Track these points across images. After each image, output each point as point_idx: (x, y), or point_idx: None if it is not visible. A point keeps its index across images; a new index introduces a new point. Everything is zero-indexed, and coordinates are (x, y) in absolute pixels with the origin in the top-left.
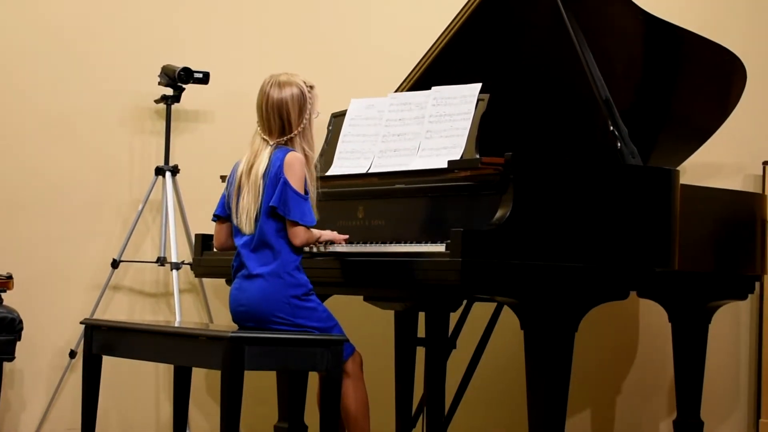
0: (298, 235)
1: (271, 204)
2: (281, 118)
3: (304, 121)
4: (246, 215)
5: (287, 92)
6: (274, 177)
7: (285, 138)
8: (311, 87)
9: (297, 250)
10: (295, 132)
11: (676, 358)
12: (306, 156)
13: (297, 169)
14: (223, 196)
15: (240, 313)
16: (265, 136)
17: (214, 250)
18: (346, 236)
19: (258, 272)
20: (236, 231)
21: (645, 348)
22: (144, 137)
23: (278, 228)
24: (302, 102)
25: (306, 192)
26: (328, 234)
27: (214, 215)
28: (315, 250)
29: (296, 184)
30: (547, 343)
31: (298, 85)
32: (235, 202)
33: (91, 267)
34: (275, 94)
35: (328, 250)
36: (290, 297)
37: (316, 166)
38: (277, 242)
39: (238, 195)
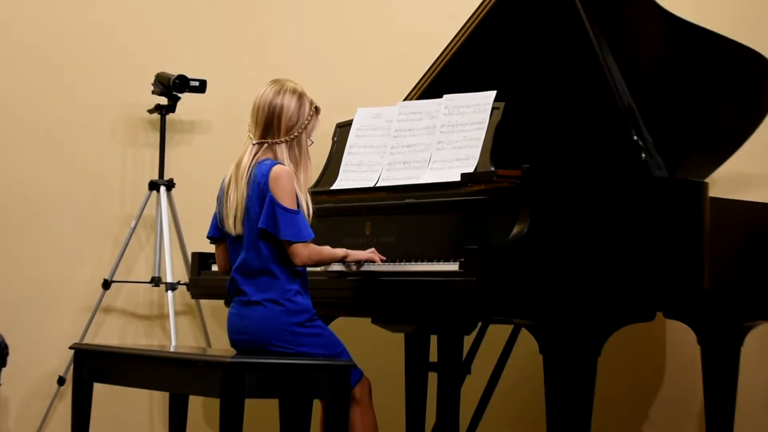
0: (297, 253)
1: (259, 226)
2: (271, 117)
3: (294, 133)
4: (233, 216)
5: (288, 100)
6: (258, 190)
7: (269, 141)
8: (317, 108)
9: (297, 272)
10: (281, 139)
11: (706, 383)
12: (295, 173)
13: (285, 183)
14: (215, 216)
15: (239, 342)
16: (250, 133)
17: (213, 269)
18: (382, 257)
19: (257, 299)
20: (230, 243)
21: (672, 372)
22: (137, 150)
23: (273, 250)
24: (299, 116)
25: (298, 206)
26: (358, 254)
27: (208, 237)
28: (346, 269)
29: (285, 199)
30: (568, 367)
31: (303, 99)
32: (225, 204)
33: (80, 288)
34: (276, 95)
35: (362, 270)
36: (292, 324)
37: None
38: (275, 266)
39: (227, 197)
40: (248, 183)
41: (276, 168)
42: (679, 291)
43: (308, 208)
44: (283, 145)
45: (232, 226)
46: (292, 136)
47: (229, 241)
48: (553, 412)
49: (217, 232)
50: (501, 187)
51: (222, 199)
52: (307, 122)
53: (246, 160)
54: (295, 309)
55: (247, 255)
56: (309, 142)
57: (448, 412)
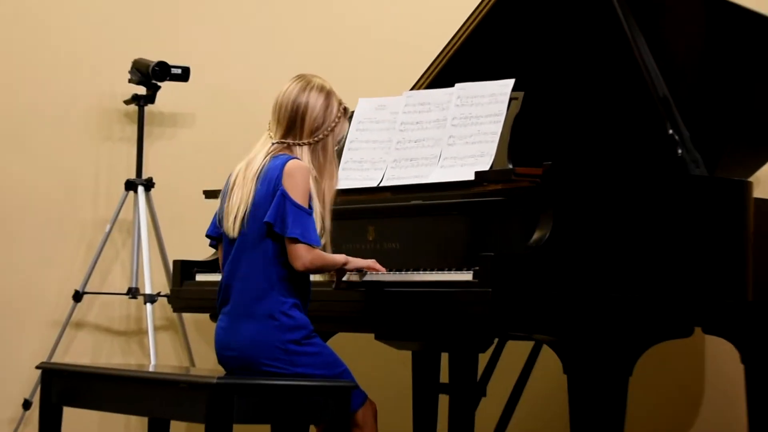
0: (299, 255)
1: (266, 220)
2: (294, 117)
3: (319, 135)
4: (234, 216)
5: (315, 98)
6: (270, 185)
7: (290, 142)
8: (345, 110)
9: (298, 283)
10: (304, 141)
11: (750, 406)
12: (314, 179)
13: (299, 179)
14: (216, 215)
15: (228, 359)
16: (270, 132)
17: (197, 279)
18: (383, 268)
19: (249, 311)
20: (225, 246)
21: (712, 394)
22: (112, 145)
23: (275, 255)
24: (326, 116)
25: (310, 207)
26: (358, 262)
27: (207, 235)
28: (345, 278)
29: (297, 195)
30: (596, 390)
31: (330, 98)
32: (228, 203)
33: (48, 300)
34: (301, 93)
35: (364, 279)
36: (286, 342)
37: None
38: (274, 273)
39: (230, 195)
40: (259, 179)
41: (292, 162)
42: (720, 303)
43: (323, 224)
44: (306, 148)
45: (231, 226)
46: (316, 139)
47: (225, 244)
48: None
49: (216, 231)
50: (520, 186)
51: (225, 195)
52: (333, 125)
53: (260, 158)
54: (291, 325)
55: (245, 258)
56: (335, 144)
57: None
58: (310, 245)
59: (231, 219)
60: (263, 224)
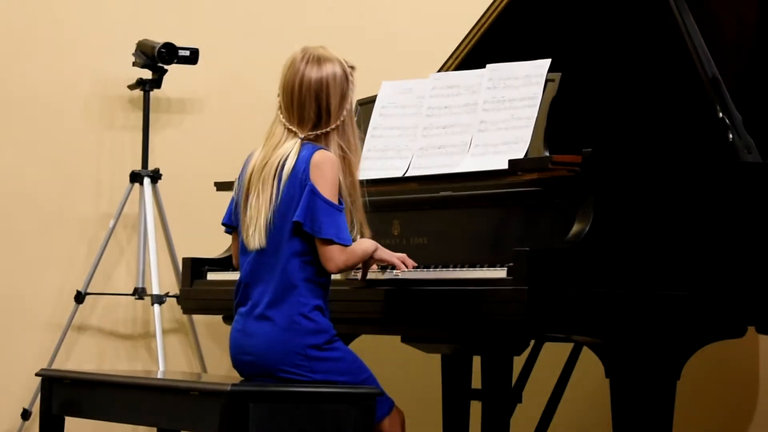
0: (333, 257)
1: (295, 219)
2: (318, 103)
3: (344, 112)
4: (255, 226)
5: (328, 70)
6: (295, 180)
7: (320, 132)
8: (352, 68)
9: (322, 284)
10: (335, 125)
11: None
12: (343, 158)
13: (327, 172)
14: (232, 201)
15: (244, 364)
16: (292, 127)
17: (208, 278)
18: (413, 263)
19: (268, 313)
20: (242, 249)
21: None
22: (115, 134)
23: (302, 252)
24: (345, 86)
25: (340, 202)
26: (386, 254)
27: (223, 224)
28: (370, 271)
29: (327, 191)
30: (641, 394)
31: (340, 62)
32: (244, 210)
33: (48, 302)
34: (313, 71)
35: (389, 277)
36: (306, 347)
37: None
38: (299, 273)
39: (246, 201)
40: (282, 176)
41: (319, 153)
42: None
43: (357, 211)
44: (335, 132)
45: (252, 238)
46: (343, 117)
47: (243, 247)
48: None
49: (232, 221)
50: (557, 176)
51: (241, 185)
52: (350, 94)
53: (291, 159)
54: (313, 328)
55: (267, 257)
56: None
57: None
58: (344, 245)
59: (251, 230)
60: (290, 222)
